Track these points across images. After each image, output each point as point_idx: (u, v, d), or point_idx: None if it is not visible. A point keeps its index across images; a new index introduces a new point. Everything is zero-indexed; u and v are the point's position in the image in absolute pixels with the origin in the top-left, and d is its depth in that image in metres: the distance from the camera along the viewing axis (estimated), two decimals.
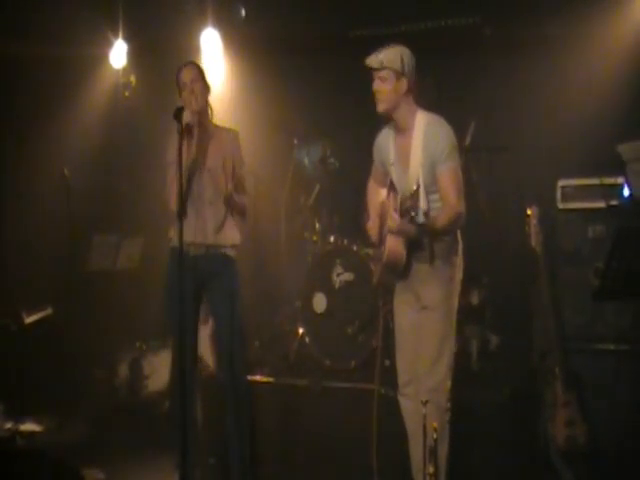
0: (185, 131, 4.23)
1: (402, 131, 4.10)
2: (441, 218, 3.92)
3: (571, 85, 5.47)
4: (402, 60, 3.98)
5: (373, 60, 4.01)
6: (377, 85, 4.03)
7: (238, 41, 6.58)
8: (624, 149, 4.37)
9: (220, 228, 4.49)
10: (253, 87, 6.40)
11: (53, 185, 6.51)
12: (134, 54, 6.89)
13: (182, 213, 4.16)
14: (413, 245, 4.01)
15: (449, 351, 4.10)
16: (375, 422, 4.34)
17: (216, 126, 4.59)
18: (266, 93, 6.34)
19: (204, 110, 4.49)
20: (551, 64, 5.56)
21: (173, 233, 4.46)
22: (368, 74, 4.05)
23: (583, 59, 5.37)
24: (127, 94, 6.97)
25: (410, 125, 4.06)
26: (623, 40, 5.29)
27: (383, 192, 4.39)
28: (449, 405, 4.09)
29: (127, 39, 6.82)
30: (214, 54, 6.64)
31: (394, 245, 3.99)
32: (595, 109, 5.29)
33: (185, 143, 4.26)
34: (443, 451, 4.06)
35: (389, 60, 3.98)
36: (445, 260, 4.07)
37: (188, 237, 4.37)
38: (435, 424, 3.89)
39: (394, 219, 3.84)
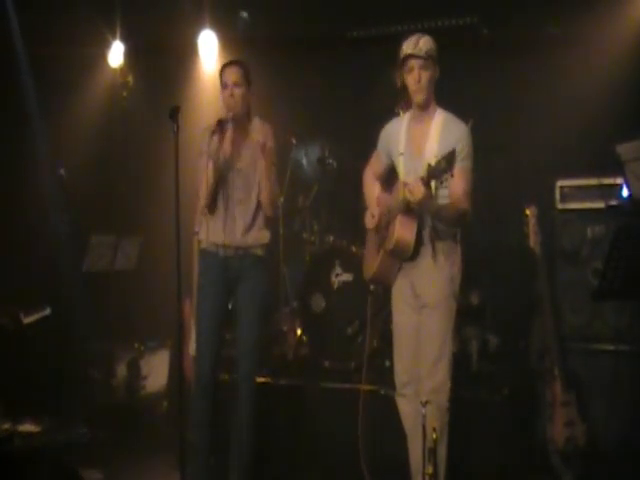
0: (218, 128, 4.32)
1: (420, 121, 4.09)
2: (449, 210, 3.93)
3: (570, 85, 5.47)
4: (436, 48, 4.02)
5: (417, 49, 3.98)
6: (418, 74, 3.99)
7: (235, 42, 6.57)
8: (623, 149, 4.36)
9: (249, 228, 4.48)
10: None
11: (51, 185, 6.51)
12: (132, 54, 6.88)
13: (177, 211, 4.18)
14: (421, 228, 4.00)
15: (449, 351, 4.09)
16: (361, 423, 4.37)
17: (253, 123, 4.54)
18: (264, 93, 6.32)
19: (242, 112, 4.45)
20: (550, 64, 5.56)
21: (203, 234, 4.49)
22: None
23: (583, 59, 5.37)
24: (125, 94, 6.96)
25: (430, 116, 4.07)
26: (623, 40, 5.30)
27: (378, 185, 4.40)
28: (449, 405, 4.09)
29: (125, 39, 6.81)
30: (211, 55, 6.63)
31: (404, 227, 3.97)
32: (594, 109, 5.29)
33: (217, 140, 4.36)
34: (442, 451, 4.05)
35: (432, 49, 4.00)
36: (447, 258, 4.06)
37: (218, 238, 4.43)
38: (434, 425, 3.89)
39: (419, 189, 3.75)
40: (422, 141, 4.06)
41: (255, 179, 4.49)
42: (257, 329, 4.53)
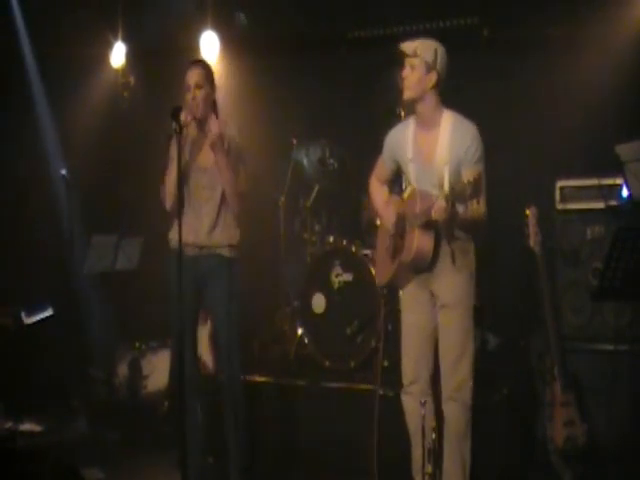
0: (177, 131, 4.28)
1: (426, 127, 4.03)
2: (469, 220, 3.85)
3: (570, 85, 5.47)
4: (435, 54, 3.95)
5: (407, 46, 3.97)
6: (407, 72, 3.98)
7: (237, 43, 6.59)
8: (623, 150, 4.37)
9: (213, 228, 4.50)
10: (252, 88, 6.41)
11: (55, 185, 6.52)
12: (133, 55, 6.89)
13: (179, 212, 4.21)
14: (439, 241, 3.97)
15: (471, 348, 4.06)
16: (376, 423, 4.35)
17: (210, 121, 4.50)
18: (265, 94, 6.35)
19: (204, 114, 4.45)
20: (550, 64, 5.56)
21: (173, 234, 4.48)
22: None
23: (583, 59, 5.36)
24: (126, 94, 6.97)
25: (436, 122, 4.00)
26: (623, 40, 5.29)
27: (385, 189, 4.36)
28: (472, 403, 4.05)
29: (126, 40, 6.82)
30: (213, 55, 6.64)
31: (423, 242, 3.91)
32: (594, 109, 5.29)
33: (175, 142, 4.32)
34: (467, 447, 4.05)
35: (423, 50, 3.94)
36: (465, 257, 4.03)
37: (185, 238, 4.40)
38: (459, 422, 3.96)
39: (443, 208, 3.67)
40: (432, 146, 4.00)
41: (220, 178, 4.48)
42: (231, 331, 4.52)
